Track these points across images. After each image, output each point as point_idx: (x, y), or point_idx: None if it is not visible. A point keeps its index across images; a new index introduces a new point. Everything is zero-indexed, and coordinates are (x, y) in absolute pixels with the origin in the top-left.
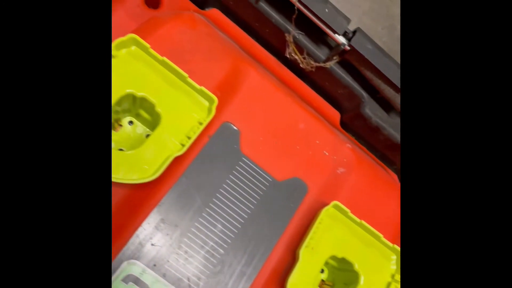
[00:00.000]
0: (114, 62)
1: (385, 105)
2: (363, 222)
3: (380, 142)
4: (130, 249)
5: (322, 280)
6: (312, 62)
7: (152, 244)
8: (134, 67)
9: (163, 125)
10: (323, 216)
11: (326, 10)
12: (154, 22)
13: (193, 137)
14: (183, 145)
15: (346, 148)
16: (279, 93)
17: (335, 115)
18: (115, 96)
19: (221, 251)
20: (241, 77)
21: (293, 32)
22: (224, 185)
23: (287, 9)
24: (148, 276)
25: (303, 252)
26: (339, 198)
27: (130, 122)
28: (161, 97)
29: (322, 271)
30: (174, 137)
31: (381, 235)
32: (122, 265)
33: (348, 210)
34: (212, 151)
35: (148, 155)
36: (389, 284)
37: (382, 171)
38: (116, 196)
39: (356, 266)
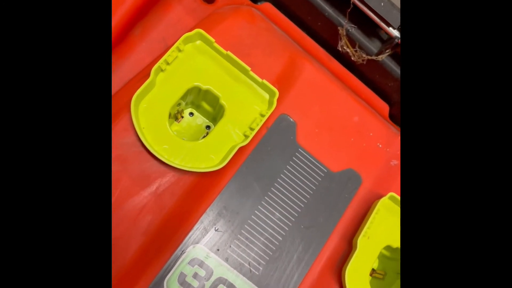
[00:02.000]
0: (181, 56)
1: None
2: None
3: None
4: (196, 234)
5: (373, 269)
6: (364, 55)
7: (216, 230)
8: (199, 60)
9: (227, 117)
10: (380, 207)
11: (382, 4)
12: (215, 17)
13: (256, 128)
14: (246, 136)
15: (398, 141)
16: (334, 86)
17: (384, 107)
18: (183, 88)
19: (279, 238)
20: (297, 71)
21: (346, 26)
22: (281, 175)
23: (340, 3)
24: (212, 260)
25: (360, 241)
26: (393, 189)
27: (191, 114)
28: (225, 90)
29: None
30: (237, 128)
31: None
32: (188, 249)
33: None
34: (270, 142)
35: (214, 145)
36: None
37: None
38: (185, 184)
39: None
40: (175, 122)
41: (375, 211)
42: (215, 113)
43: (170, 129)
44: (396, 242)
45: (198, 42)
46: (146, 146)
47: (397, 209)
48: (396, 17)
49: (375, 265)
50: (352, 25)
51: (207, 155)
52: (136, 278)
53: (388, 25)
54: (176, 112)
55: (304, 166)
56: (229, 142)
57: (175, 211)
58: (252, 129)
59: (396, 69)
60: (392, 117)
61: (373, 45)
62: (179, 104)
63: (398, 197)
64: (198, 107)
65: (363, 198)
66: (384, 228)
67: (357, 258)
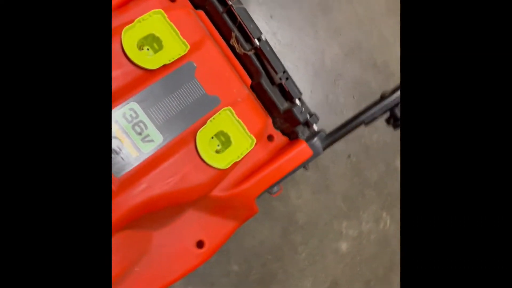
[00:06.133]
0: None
1: (271, 80)
2: (240, 121)
3: (267, 99)
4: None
5: (217, 147)
6: (243, 50)
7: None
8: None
9: None
10: (221, 112)
11: (251, 26)
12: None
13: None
14: None
15: (247, 93)
16: (223, 60)
17: (248, 80)
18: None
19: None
20: (204, 46)
21: (235, 32)
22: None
23: (235, 20)
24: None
25: (206, 124)
26: (235, 110)
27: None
28: None
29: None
30: None
31: (245, 127)
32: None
33: (234, 112)
34: (178, 72)
35: None
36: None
37: (262, 109)
38: None
39: (231, 138)
40: None
41: (215, 115)
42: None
43: None
44: (226, 130)
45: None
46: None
47: (230, 116)
48: (257, 33)
49: (219, 144)
50: (238, 32)
51: None
52: None
53: (253, 36)
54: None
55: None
56: None
57: None
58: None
59: (256, 61)
60: (252, 87)
61: (248, 46)
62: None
63: (232, 109)
64: None
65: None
66: (220, 125)
67: (205, 130)
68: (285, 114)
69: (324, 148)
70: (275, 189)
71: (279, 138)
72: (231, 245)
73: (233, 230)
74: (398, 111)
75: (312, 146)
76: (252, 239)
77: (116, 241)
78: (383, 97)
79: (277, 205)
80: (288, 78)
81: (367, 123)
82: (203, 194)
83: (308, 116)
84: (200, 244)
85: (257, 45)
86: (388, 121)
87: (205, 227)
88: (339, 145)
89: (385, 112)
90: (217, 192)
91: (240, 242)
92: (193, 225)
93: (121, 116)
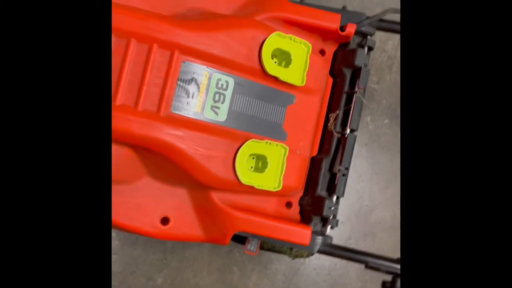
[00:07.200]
0: None
1: (331, 166)
2: (285, 164)
3: (314, 177)
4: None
5: (251, 167)
6: (333, 128)
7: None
8: None
9: None
10: (278, 144)
11: (356, 118)
12: None
13: None
14: None
15: (305, 153)
16: (314, 118)
17: (315, 151)
18: None
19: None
20: (312, 95)
21: (340, 112)
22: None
23: (348, 104)
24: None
25: (261, 142)
26: (288, 155)
27: None
28: None
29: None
30: None
31: (283, 173)
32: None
33: (287, 154)
34: (278, 92)
35: None
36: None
37: (304, 179)
38: None
39: (267, 169)
40: None
41: (274, 143)
42: None
43: None
44: (270, 159)
45: None
46: None
47: (281, 155)
48: (355, 123)
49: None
50: (342, 114)
51: None
52: None
53: (349, 126)
54: None
55: None
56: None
57: None
58: None
59: (334, 142)
60: (312, 158)
61: (339, 128)
62: None
63: (287, 152)
64: None
65: None
66: (272, 152)
67: (256, 144)
68: (316, 199)
69: (319, 252)
70: (253, 247)
71: (294, 212)
72: (174, 262)
73: (196, 238)
74: (398, 284)
75: (313, 240)
76: (192, 276)
77: (119, 150)
78: (398, 261)
79: (235, 271)
80: (344, 175)
81: (368, 267)
82: (206, 184)
83: (331, 216)
84: (164, 220)
85: (346, 133)
86: (384, 285)
87: (180, 212)
88: (324, 282)
89: (389, 273)
90: (215, 196)
91: (182, 268)
92: (174, 201)
93: (215, 79)
